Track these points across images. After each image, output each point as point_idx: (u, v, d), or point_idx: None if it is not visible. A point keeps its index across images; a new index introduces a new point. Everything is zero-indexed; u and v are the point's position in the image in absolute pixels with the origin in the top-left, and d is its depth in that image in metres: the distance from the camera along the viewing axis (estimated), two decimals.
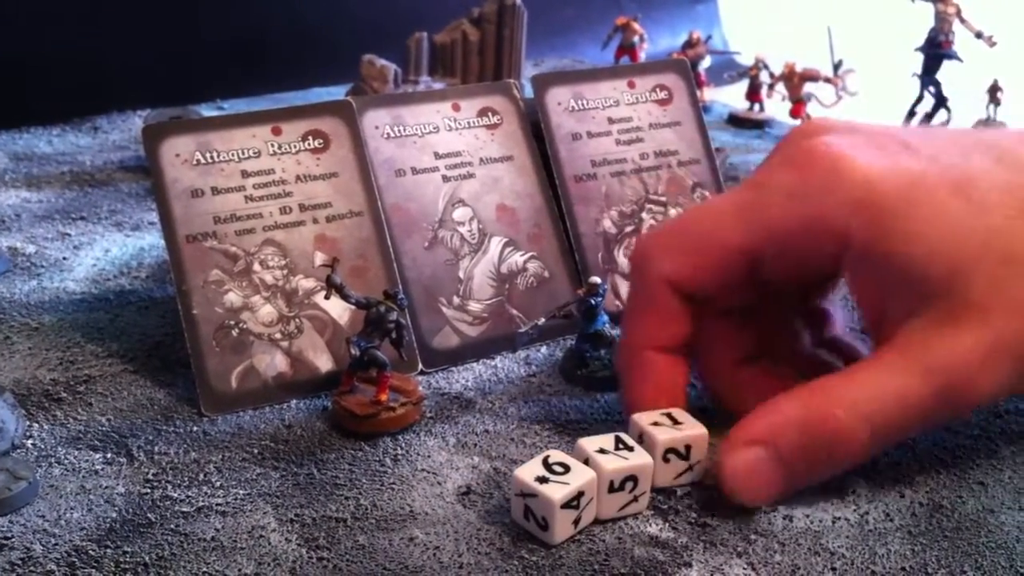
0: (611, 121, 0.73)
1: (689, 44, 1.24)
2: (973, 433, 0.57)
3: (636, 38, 1.26)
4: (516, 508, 0.48)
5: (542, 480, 0.47)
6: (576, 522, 0.47)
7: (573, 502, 0.47)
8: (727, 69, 1.35)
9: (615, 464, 0.48)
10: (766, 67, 1.18)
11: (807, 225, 0.48)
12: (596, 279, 0.61)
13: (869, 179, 0.45)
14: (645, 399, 0.53)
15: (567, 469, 0.47)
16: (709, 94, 1.24)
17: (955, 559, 0.47)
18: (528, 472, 0.47)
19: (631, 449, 0.49)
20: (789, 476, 0.48)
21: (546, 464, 0.48)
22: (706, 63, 1.24)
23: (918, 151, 0.47)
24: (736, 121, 1.21)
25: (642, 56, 1.25)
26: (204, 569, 0.45)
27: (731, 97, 1.28)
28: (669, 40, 1.53)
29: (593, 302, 0.61)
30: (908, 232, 0.45)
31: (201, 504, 0.50)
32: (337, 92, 1.14)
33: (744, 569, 0.46)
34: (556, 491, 0.46)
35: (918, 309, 0.46)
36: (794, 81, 1.13)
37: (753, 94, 1.20)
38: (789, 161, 0.50)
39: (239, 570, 0.45)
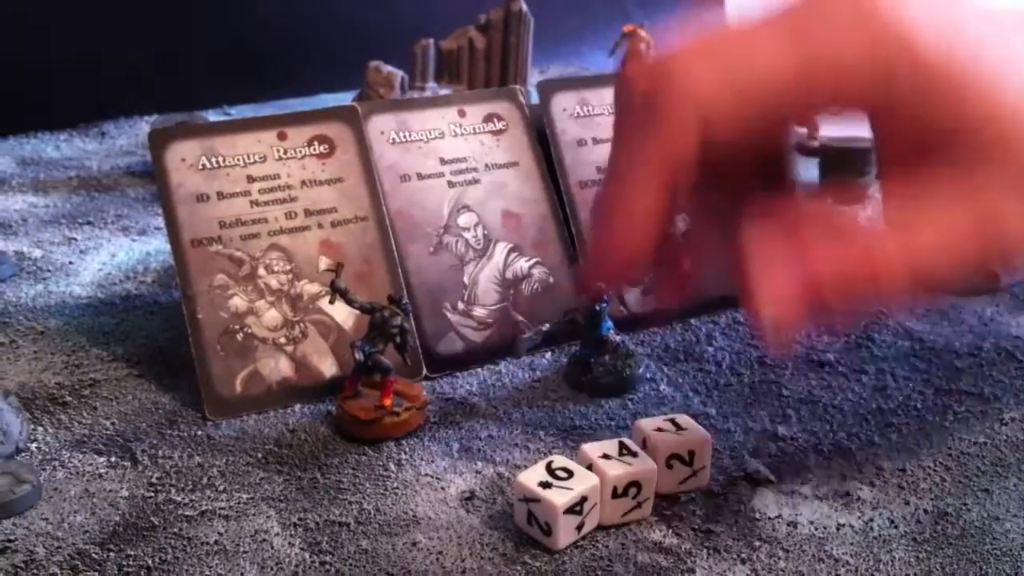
0: None
1: None
2: (978, 440, 0.57)
3: (643, 46, 1.26)
4: (519, 513, 0.48)
5: (545, 485, 0.47)
6: (579, 528, 0.47)
7: (576, 507, 0.47)
8: None
9: (618, 470, 0.48)
10: None
11: (860, 80, 0.44)
12: (601, 285, 0.61)
13: (921, 38, 0.43)
14: (625, 235, 0.45)
15: (570, 474, 0.47)
16: None
17: (959, 566, 0.47)
18: (531, 477, 0.47)
19: (635, 455, 0.49)
20: (827, 317, 0.45)
21: (549, 469, 0.48)
22: None
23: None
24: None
25: None
26: (207, 573, 0.45)
27: None
28: None
29: (598, 308, 0.61)
30: (954, 84, 0.43)
31: (204, 508, 0.50)
32: (343, 98, 1.14)
33: None
34: (559, 496, 0.46)
35: (964, 154, 0.44)
36: None
37: None
38: (842, 4, 0.44)
39: (242, 574, 0.45)
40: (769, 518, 0.50)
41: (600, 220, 0.46)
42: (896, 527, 0.50)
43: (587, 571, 0.46)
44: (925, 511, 0.51)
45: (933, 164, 0.44)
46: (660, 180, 0.44)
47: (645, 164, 0.44)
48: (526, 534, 0.48)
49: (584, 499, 0.47)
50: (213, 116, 1.11)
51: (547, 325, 0.62)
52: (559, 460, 0.48)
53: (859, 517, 0.50)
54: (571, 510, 0.46)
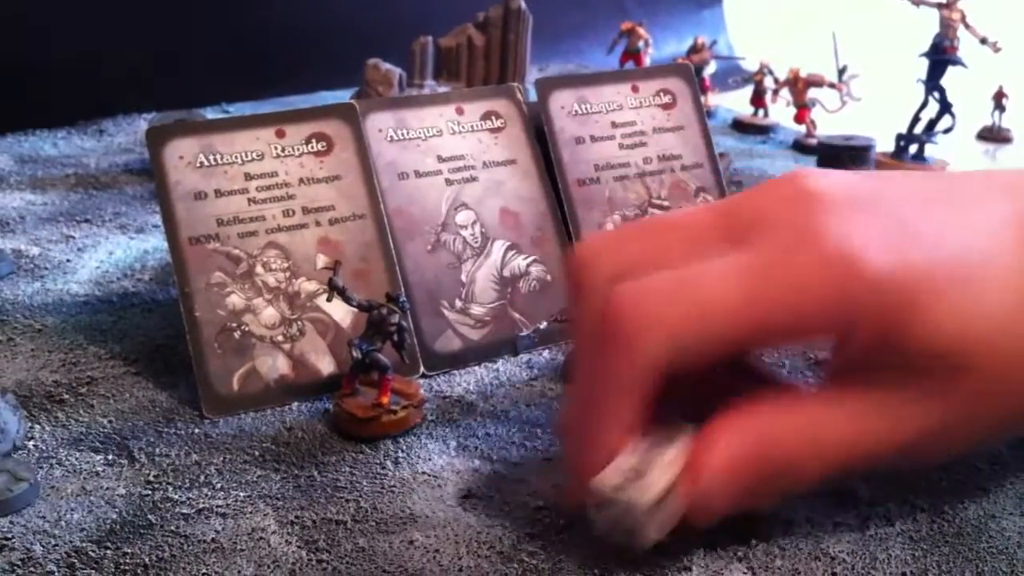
0: (614, 125, 0.73)
1: (694, 49, 1.24)
2: None
3: (641, 43, 1.26)
4: (598, 522, 0.46)
5: (621, 488, 0.44)
6: (664, 524, 0.45)
7: (659, 503, 0.45)
8: (732, 74, 1.35)
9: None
10: (770, 72, 1.18)
11: (817, 324, 0.46)
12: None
13: (880, 284, 0.44)
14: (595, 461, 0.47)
15: (642, 474, 0.45)
16: (714, 99, 1.25)
17: (956, 564, 0.47)
18: (605, 481, 0.45)
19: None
20: (737, 497, 0.46)
21: (621, 471, 0.45)
22: (711, 68, 1.24)
23: (921, 237, 0.46)
24: (740, 126, 1.21)
25: (647, 61, 1.26)
26: (204, 571, 0.45)
27: (736, 102, 1.28)
28: (675, 46, 1.53)
29: None
30: (913, 332, 0.45)
31: (202, 506, 0.50)
32: (342, 96, 1.14)
33: (744, 573, 0.46)
34: (642, 495, 0.44)
35: (907, 377, 0.46)
36: (798, 87, 1.13)
37: (757, 99, 1.21)
38: (799, 250, 0.45)
39: (239, 572, 0.45)
40: (765, 516, 0.50)
41: (570, 444, 0.48)
42: (892, 525, 0.50)
43: (584, 569, 0.46)
44: (922, 509, 0.51)
45: (884, 370, 0.46)
46: (625, 407, 0.46)
47: (609, 394, 0.46)
48: (609, 542, 0.46)
49: (667, 493, 0.45)
50: (211, 114, 1.11)
51: (545, 324, 0.62)
52: (625, 459, 0.46)
53: (856, 515, 0.50)
54: (655, 506, 0.44)
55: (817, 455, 0.46)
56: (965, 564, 0.47)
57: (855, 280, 0.44)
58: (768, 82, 1.19)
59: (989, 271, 0.46)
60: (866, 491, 0.52)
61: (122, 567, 0.45)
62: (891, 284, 0.44)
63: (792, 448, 0.46)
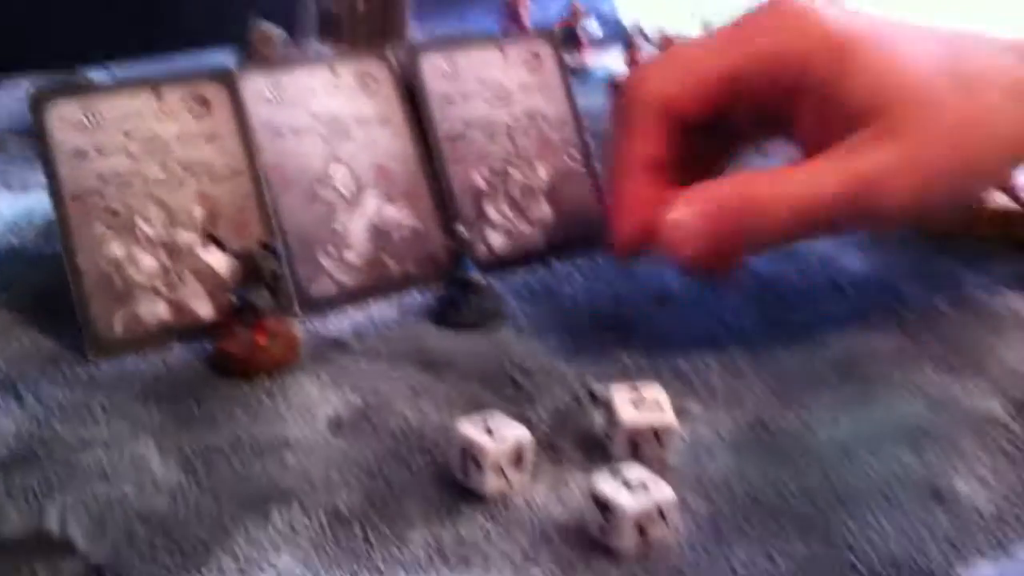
0: (483, 85, 0.78)
1: (571, 13, 1.28)
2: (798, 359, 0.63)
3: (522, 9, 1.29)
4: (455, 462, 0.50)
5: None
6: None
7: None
8: (610, 36, 1.39)
9: None
10: (643, 34, 1.23)
11: (778, 53, 0.59)
12: (460, 226, 0.66)
13: (836, 22, 0.58)
14: (624, 215, 0.63)
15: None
16: (590, 59, 1.29)
17: (773, 469, 0.53)
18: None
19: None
20: (715, 235, 0.57)
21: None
22: (590, 29, 1.28)
23: (866, 17, 0.60)
24: (617, 87, 1.25)
25: (528, 22, 1.29)
26: (91, 493, 0.49)
27: (613, 62, 1.33)
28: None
29: (460, 250, 0.66)
30: (857, 65, 0.56)
31: (86, 438, 0.53)
32: (223, 56, 1.16)
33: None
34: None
35: (852, 132, 0.57)
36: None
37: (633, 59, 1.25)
38: (769, 9, 0.60)
39: (123, 493, 0.49)
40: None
41: (611, 208, 0.65)
42: (723, 439, 0.56)
43: (439, 488, 0.51)
44: (748, 423, 0.57)
45: (832, 135, 0.57)
46: (640, 166, 0.62)
47: (626, 157, 0.63)
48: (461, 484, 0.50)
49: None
50: (93, 75, 1.11)
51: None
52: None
53: (691, 431, 0.56)
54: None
55: (783, 196, 0.57)
56: (782, 469, 0.53)
57: (813, 19, 0.58)
58: (643, 45, 1.23)
59: (906, 34, 0.59)
60: (699, 409, 0.58)
61: (12, 493, 0.49)
62: (847, 25, 0.58)
63: (761, 192, 0.57)
